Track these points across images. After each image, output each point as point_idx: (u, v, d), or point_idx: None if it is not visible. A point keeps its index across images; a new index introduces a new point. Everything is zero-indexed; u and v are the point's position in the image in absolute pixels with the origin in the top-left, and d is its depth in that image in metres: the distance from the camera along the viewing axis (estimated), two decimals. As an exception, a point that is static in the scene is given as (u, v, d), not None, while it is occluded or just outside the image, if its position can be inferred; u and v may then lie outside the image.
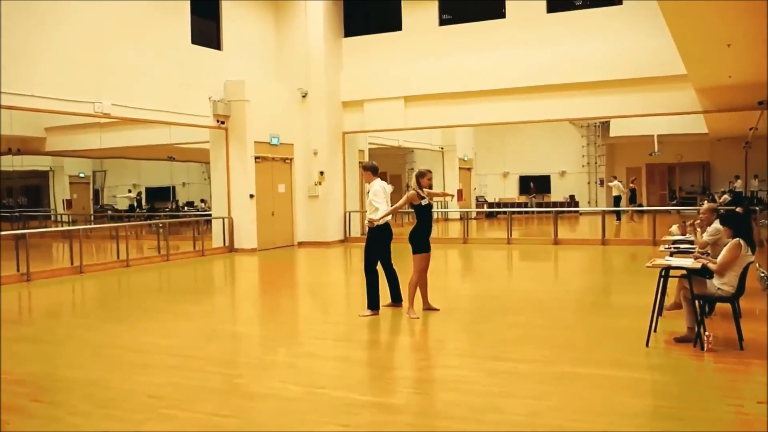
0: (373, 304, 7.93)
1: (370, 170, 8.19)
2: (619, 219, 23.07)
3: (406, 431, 4.35)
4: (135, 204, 26.72)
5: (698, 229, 7.90)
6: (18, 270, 11.82)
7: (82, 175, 26.36)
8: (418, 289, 7.91)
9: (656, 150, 25.70)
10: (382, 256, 8.08)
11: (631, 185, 24.73)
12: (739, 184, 24.49)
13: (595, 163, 29.81)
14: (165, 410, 4.73)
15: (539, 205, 28.78)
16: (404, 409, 4.78)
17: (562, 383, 5.23)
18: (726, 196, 21.48)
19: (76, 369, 6.03)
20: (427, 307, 8.06)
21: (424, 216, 7.86)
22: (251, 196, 16.30)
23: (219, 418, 4.57)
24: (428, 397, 5.07)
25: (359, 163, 8.20)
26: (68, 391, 5.37)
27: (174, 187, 27.80)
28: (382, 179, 8.22)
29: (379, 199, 7.95)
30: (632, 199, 24.83)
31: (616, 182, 24.20)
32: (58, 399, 5.17)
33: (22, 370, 5.97)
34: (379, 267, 8.05)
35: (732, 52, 10.13)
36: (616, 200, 23.87)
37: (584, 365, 5.71)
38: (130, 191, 27.41)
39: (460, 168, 27.76)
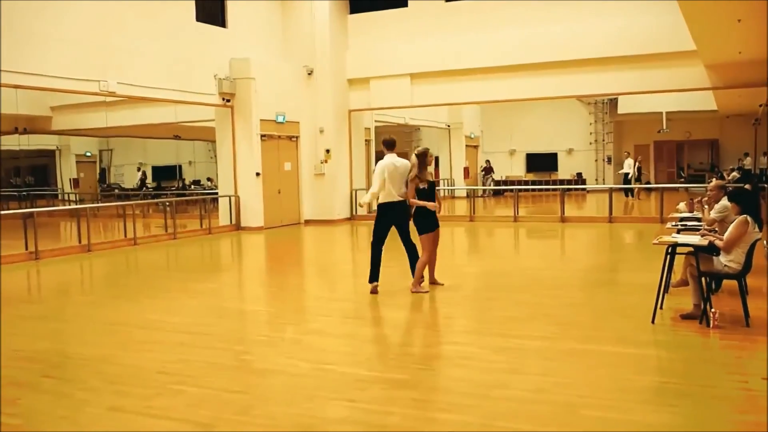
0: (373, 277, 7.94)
1: (385, 146, 8.10)
2: (627, 196, 23.01)
3: (413, 406, 4.38)
4: (140, 183, 26.72)
5: (706, 206, 7.87)
6: (26, 248, 11.89)
7: (88, 154, 26.39)
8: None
9: (665, 127, 25.52)
10: (385, 234, 7.94)
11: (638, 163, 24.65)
12: (748, 162, 24.32)
13: (603, 140, 29.62)
14: (174, 386, 4.78)
15: (497, 183, 28.33)
16: (411, 385, 4.82)
17: (568, 360, 5.25)
18: (735, 174, 21.36)
19: (85, 346, 6.09)
20: (433, 282, 8.12)
21: (424, 197, 7.77)
22: (257, 174, 16.30)
23: (227, 394, 4.62)
24: (435, 373, 5.10)
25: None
26: (78, 367, 5.43)
27: (180, 166, 27.82)
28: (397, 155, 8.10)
29: (374, 179, 7.94)
30: (637, 177, 24.74)
31: (629, 160, 24.14)
32: (68, 375, 5.24)
33: (33, 347, 6.04)
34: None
35: (742, 27, 10.00)
36: (625, 177, 23.82)
37: (590, 342, 5.73)
38: (139, 169, 27.41)
39: (466, 145, 27.68)
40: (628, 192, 23.22)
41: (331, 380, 4.92)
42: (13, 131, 20.45)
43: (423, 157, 7.83)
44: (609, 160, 29.27)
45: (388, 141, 8.10)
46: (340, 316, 7.20)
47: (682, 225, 7.87)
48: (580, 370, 4.98)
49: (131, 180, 27.71)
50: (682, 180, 27.10)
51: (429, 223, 7.79)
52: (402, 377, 5.02)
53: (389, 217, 7.89)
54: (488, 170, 28.96)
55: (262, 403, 4.48)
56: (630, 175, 23.94)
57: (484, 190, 26.94)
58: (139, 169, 27.31)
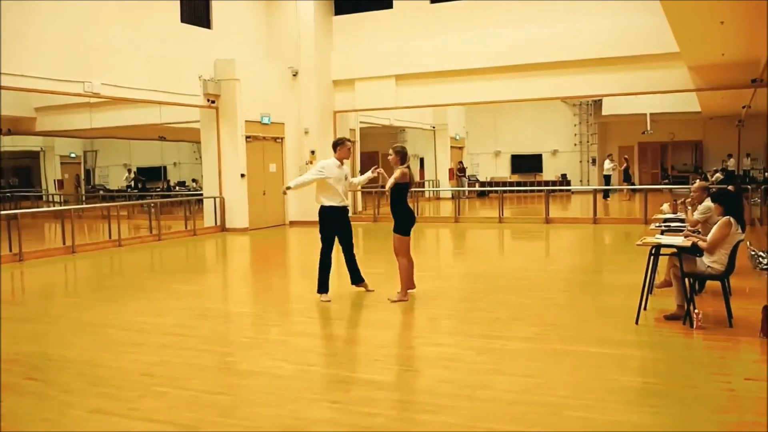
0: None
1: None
2: (606, 197, 23.13)
3: (397, 408, 4.39)
4: (132, 185, 26.56)
5: (689, 208, 7.93)
6: (10, 250, 11.79)
7: (73, 155, 26.20)
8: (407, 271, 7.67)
9: (649, 128, 25.71)
10: (334, 238, 7.85)
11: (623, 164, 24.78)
12: (731, 163, 24.54)
13: (588, 141, 29.74)
14: (157, 388, 4.76)
15: (471, 185, 28.12)
16: (395, 386, 4.83)
17: (552, 360, 5.27)
18: (718, 175, 21.54)
19: (68, 348, 6.05)
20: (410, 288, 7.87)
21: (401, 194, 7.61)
22: (242, 175, 16.26)
23: (211, 396, 4.60)
24: (419, 374, 5.10)
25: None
26: (61, 369, 5.38)
27: (165, 167, 27.69)
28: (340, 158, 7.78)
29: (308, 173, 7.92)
30: (626, 177, 24.88)
31: (607, 160, 24.28)
32: (51, 377, 5.19)
33: (15, 349, 5.97)
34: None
35: (725, 29, 10.10)
36: (606, 178, 23.97)
37: (574, 343, 5.75)
38: (129, 171, 27.20)
39: (451, 147, 27.72)
40: (607, 193, 23.32)
41: (315, 381, 4.91)
42: (-4, 132, 20.28)
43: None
44: (594, 162, 29.43)
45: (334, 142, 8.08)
46: (324, 317, 7.18)
47: (665, 226, 7.93)
48: (564, 370, 5.00)
49: (116, 181, 27.53)
50: (666, 181, 27.31)
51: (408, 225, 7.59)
52: (385, 378, 5.02)
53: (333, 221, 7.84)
54: (462, 170, 28.68)
55: (246, 404, 4.46)
56: (611, 176, 24.08)
57: (463, 191, 26.86)
58: (129, 171, 27.10)
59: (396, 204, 7.51)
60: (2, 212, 13.29)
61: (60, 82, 12.64)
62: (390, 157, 7.60)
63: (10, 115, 19.30)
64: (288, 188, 8.17)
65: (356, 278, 8.07)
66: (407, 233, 7.56)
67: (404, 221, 7.53)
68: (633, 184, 25.68)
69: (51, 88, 12.71)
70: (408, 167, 7.53)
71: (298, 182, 8.01)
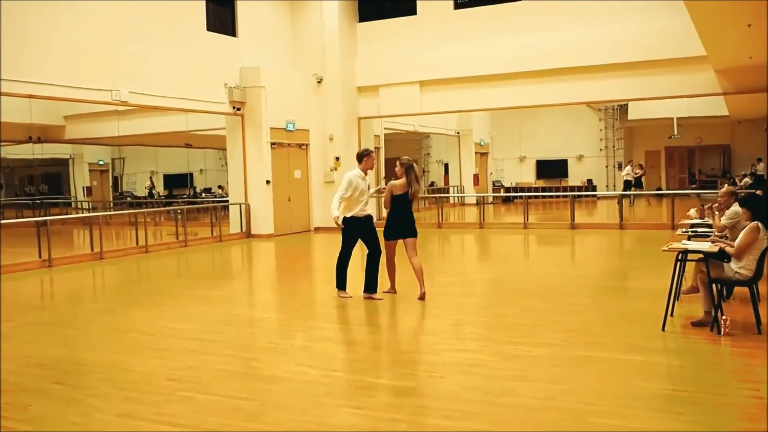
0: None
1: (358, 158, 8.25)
2: (626, 203, 22.86)
3: (420, 414, 4.38)
4: (150, 191, 26.83)
5: (716, 213, 7.83)
6: (40, 256, 11.99)
7: (101, 162, 26.58)
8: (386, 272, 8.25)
9: (675, 133, 25.42)
10: (356, 240, 8.14)
11: (639, 171, 24.53)
12: (761, 167, 24.15)
13: (613, 146, 29.52)
14: (183, 392, 4.81)
15: (496, 191, 27.97)
16: (419, 392, 4.82)
17: (577, 367, 5.24)
18: (747, 179, 21.22)
19: (96, 352, 6.13)
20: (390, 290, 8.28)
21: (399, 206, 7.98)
22: (267, 182, 16.38)
23: (236, 401, 4.63)
24: (443, 380, 5.09)
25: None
26: (89, 374, 5.46)
27: (191, 174, 27.97)
28: (364, 169, 8.08)
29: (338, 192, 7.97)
30: (637, 184, 24.63)
31: (628, 167, 24.07)
32: (79, 382, 5.27)
33: (44, 353, 6.08)
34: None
35: (752, 32, 9.96)
36: (626, 184, 23.76)
37: (599, 349, 5.71)
38: (150, 178, 27.52)
39: (476, 152, 27.65)
40: (621, 199, 23.06)
41: (339, 387, 4.93)
42: (27, 140, 20.65)
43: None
44: (620, 167, 29.15)
45: (358, 154, 8.34)
46: (348, 323, 7.21)
47: (692, 231, 7.84)
48: (589, 377, 4.97)
49: (143, 188, 27.86)
50: (694, 186, 26.95)
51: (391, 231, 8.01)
52: (409, 384, 5.02)
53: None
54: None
55: (270, 409, 4.49)
56: (631, 182, 23.86)
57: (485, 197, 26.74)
58: (151, 179, 27.40)
59: (390, 211, 8.01)
60: (33, 219, 13.52)
61: (89, 90, 12.87)
62: (396, 169, 7.97)
63: (40, 123, 19.61)
64: (338, 218, 7.98)
65: (370, 287, 8.07)
66: (387, 238, 7.99)
67: (388, 227, 7.98)
68: (652, 191, 25.31)
69: (80, 97, 12.94)
70: (412, 180, 7.85)
71: (336, 206, 7.93)
